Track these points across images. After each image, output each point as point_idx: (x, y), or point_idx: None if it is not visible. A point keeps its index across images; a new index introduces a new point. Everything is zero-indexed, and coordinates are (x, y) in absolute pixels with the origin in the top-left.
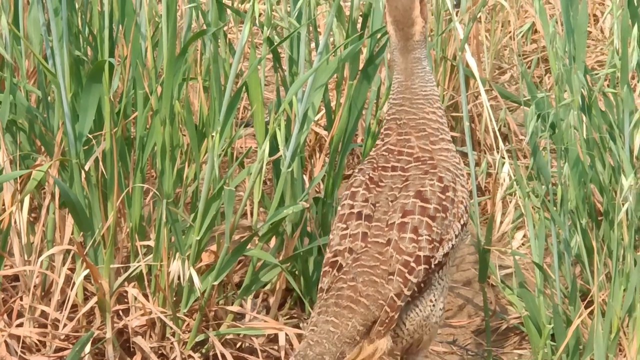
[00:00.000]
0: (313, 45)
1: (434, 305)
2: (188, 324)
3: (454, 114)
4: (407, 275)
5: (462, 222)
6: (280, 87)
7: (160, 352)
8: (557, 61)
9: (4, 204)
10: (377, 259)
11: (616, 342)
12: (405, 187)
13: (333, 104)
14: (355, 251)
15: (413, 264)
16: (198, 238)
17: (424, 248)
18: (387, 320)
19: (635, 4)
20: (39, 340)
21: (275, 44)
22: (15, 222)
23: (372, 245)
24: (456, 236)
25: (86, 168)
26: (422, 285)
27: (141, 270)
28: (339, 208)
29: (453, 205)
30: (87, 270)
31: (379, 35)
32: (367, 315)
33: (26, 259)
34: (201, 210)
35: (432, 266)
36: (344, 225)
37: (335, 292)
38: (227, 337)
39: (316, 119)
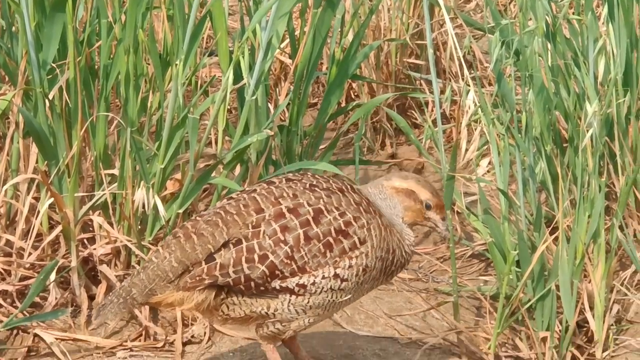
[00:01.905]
0: None
1: (269, 310)
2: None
3: (418, 42)
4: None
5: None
6: (244, 16)
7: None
8: None
9: None
10: (240, 211)
11: (581, 268)
12: None
13: (297, 32)
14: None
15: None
16: (162, 166)
17: (278, 255)
18: (197, 277)
19: None
20: (3, 269)
21: None
22: None
23: (247, 204)
24: (321, 278)
25: (50, 97)
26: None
27: (106, 199)
28: None
29: (338, 247)
30: (52, 199)
31: None
32: (189, 255)
33: None
34: (165, 139)
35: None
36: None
37: (182, 225)
38: None
39: (280, 47)
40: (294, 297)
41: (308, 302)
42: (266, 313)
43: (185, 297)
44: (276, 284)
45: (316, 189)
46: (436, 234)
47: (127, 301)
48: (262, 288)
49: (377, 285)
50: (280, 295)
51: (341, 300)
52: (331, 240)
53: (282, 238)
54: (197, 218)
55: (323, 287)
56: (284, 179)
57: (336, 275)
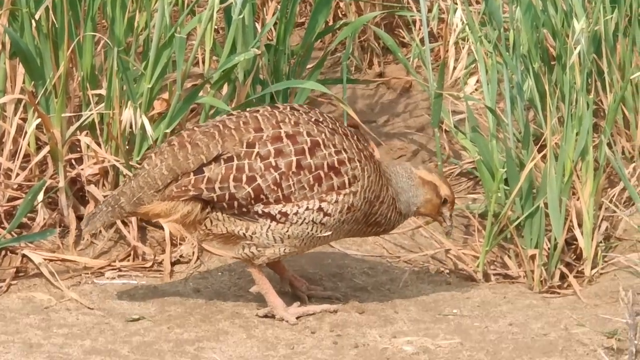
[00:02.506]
0: None
1: (247, 231)
2: None
3: None
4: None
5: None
6: None
7: None
8: None
9: None
10: (238, 127)
11: (569, 186)
12: None
13: None
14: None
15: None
16: (150, 86)
17: (266, 179)
18: (183, 187)
19: None
20: None
21: None
22: None
23: (247, 121)
24: (305, 209)
25: (37, 17)
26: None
27: (93, 119)
28: None
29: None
30: (39, 120)
31: None
32: (180, 164)
33: None
34: (152, 58)
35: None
36: None
37: (178, 134)
38: None
39: None
40: (274, 223)
41: (287, 231)
42: (244, 234)
43: (170, 207)
44: (259, 208)
45: (321, 124)
46: (424, 153)
47: (115, 210)
48: (244, 209)
49: (356, 233)
50: (261, 219)
51: (320, 236)
52: (322, 174)
53: (274, 163)
54: (195, 128)
55: (305, 219)
56: (289, 107)
57: (320, 209)
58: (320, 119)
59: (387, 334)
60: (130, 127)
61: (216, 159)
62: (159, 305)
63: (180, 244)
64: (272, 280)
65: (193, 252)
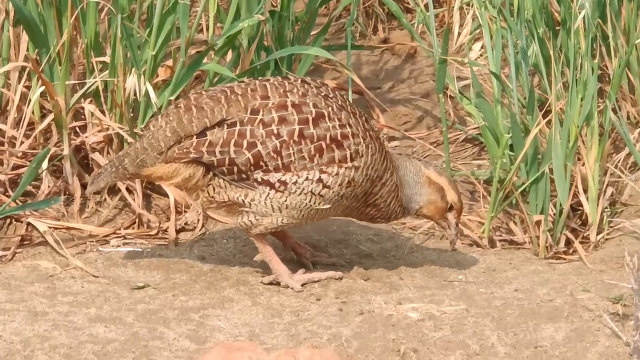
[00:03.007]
0: None
1: (245, 198)
2: None
3: None
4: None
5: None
6: None
7: None
8: None
9: None
10: (245, 93)
11: (574, 151)
12: None
13: None
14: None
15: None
16: (154, 53)
17: (266, 146)
18: (185, 149)
19: None
20: None
21: None
22: None
23: (255, 88)
24: (304, 179)
25: None
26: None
27: (97, 87)
28: None
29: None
30: (43, 87)
31: None
32: (184, 127)
33: None
34: (156, 25)
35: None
36: None
37: (186, 97)
38: None
39: None
40: (273, 192)
41: (285, 200)
42: (243, 201)
43: (172, 170)
44: (258, 175)
45: (330, 99)
46: (429, 119)
47: (118, 170)
48: (243, 175)
49: (355, 212)
50: (260, 187)
51: (318, 208)
52: (324, 145)
53: (276, 131)
54: (202, 92)
55: (304, 189)
56: (300, 79)
57: (320, 180)
58: (330, 95)
59: (392, 301)
60: (135, 94)
61: (220, 124)
62: (163, 272)
63: (185, 211)
64: (276, 248)
65: (198, 220)
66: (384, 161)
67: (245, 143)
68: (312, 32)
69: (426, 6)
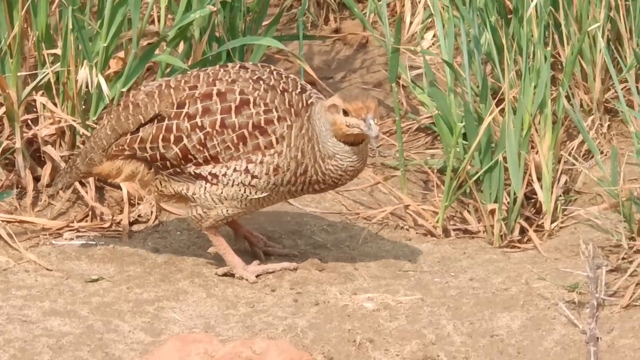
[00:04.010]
0: None
1: (188, 192)
2: None
3: None
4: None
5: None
6: None
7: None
8: None
9: None
10: (178, 85)
11: (528, 139)
12: None
13: None
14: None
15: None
16: (105, 44)
17: (192, 139)
18: (120, 146)
19: None
20: None
21: None
22: None
23: (188, 80)
24: (233, 170)
25: None
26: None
27: (49, 79)
28: None
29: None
30: None
31: None
32: (122, 124)
33: None
34: (107, 17)
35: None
36: None
37: (127, 94)
38: None
39: None
40: (208, 184)
41: (221, 192)
42: (186, 195)
43: (117, 167)
44: (191, 169)
45: (261, 82)
46: (382, 109)
47: (72, 171)
48: (177, 170)
49: (305, 192)
50: (197, 180)
51: (255, 197)
52: (246, 133)
53: (199, 123)
54: (140, 88)
55: (234, 180)
56: (238, 65)
57: (247, 170)
58: (264, 77)
59: (348, 291)
60: (87, 86)
61: (152, 119)
62: (117, 265)
63: (139, 203)
64: (230, 240)
65: (151, 212)
66: (305, 135)
67: (172, 138)
68: (264, 23)
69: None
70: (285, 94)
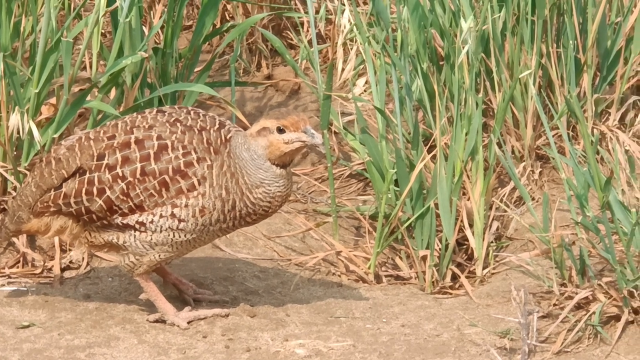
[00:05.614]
0: None
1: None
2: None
3: None
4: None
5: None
6: None
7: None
8: None
9: None
10: (97, 137)
11: (459, 186)
12: None
13: None
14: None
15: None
16: (37, 91)
17: (114, 190)
18: (45, 203)
19: None
20: None
21: None
22: None
23: (107, 130)
24: (159, 217)
25: None
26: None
27: None
28: None
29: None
30: None
31: None
32: (45, 180)
33: None
34: (39, 63)
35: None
36: None
37: (48, 149)
38: None
39: None
40: (137, 232)
41: (151, 239)
42: (117, 243)
43: (45, 224)
44: (118, 220)
45: (178, 123)
46: (313, 155)
47: (1, 230)
48: (105, 222)
49: (233, 228)
50: (126, 230)
51: (185, 239)
52: (167, 179)
53: (120, 173)
54: (61, 142)
55: (162, 226)
56: (155, 110)
57: (173, 215)
58: (182, 117)
59: (279, 337)
60: (18, 132)
61: (74, 173)
62: (49, 311)
63: (70, 249)
64: (161, 287)
65: (83, 258)
66: (227, 172)
67: (95, 190)
68: (196, 69)
69: (309, 42)
70: (204, 132)
